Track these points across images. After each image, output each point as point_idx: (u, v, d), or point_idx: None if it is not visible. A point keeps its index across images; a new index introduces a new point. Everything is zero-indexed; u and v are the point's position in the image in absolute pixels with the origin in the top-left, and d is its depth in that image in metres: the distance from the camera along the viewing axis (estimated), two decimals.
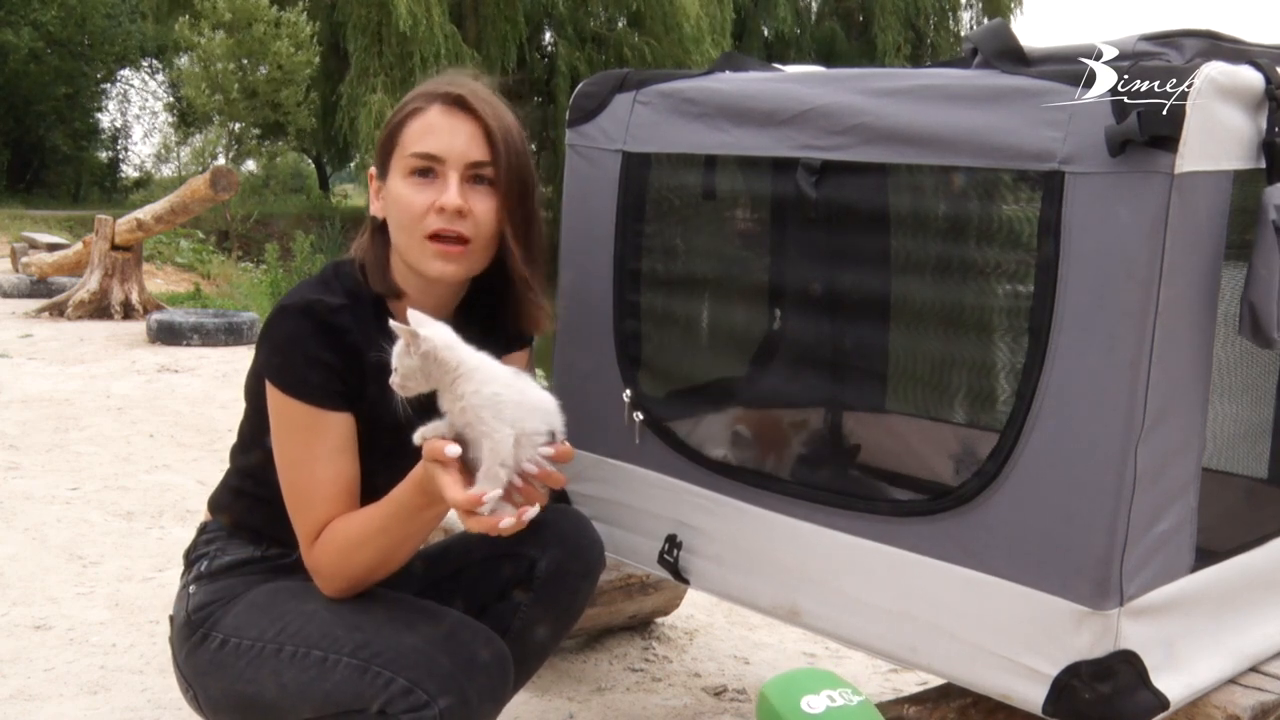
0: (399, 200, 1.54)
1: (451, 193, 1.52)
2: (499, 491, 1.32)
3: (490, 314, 1.66)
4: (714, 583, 1.77)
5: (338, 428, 1.51)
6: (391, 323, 1.37)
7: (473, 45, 19.47)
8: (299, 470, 1.52)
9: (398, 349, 1.36)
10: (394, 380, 1.36)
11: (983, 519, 1.43)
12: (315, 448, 1.51)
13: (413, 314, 1.37)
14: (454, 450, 1.33)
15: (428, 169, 1.53)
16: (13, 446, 4.27)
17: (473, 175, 1.55)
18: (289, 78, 18.93)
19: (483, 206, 1.55)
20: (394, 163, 1.56)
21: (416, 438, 1.37)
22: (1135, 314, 1.29)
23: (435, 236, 1.53)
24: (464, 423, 1.35)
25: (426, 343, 1.33)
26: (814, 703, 1.30)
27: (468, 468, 1.35)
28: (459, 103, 1.55)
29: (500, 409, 1.33)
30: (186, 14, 18.69)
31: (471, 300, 1.65)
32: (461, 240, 1.54)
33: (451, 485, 1.33)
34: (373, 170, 1.62)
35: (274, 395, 1.52)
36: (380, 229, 1.60)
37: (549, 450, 1.35)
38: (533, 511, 1.33)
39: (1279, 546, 1.59)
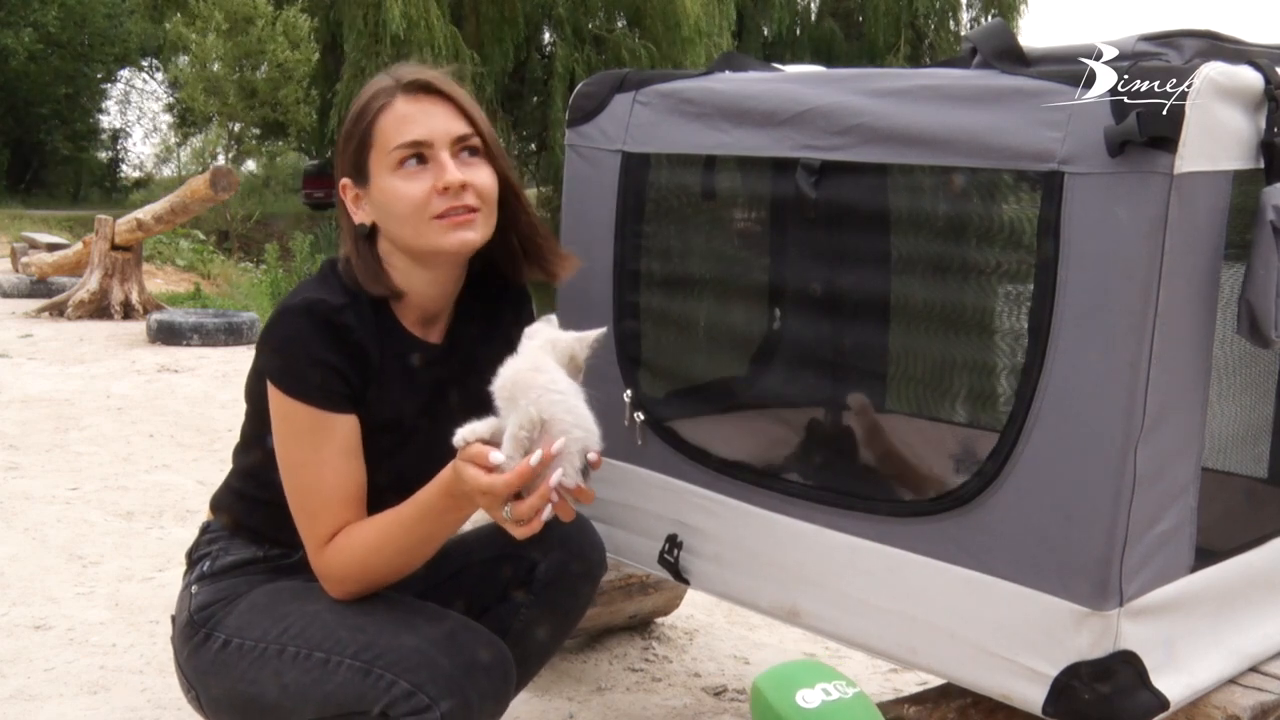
0: (396, 195, 1.52)
1: (451, 171, 1.52)
2: (538, 455, 1.33)
3: (493, 300, 1.67)
4: (714, 583, 1.77)
5: (343, 429, 1.50)
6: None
7: (473, 46, 19.46)
8: (305, 474, 1.51)
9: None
10: None
11: (983, 519, 1.43)
12: (321, 450, 1.50)
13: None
14: (498, 458, 1.35)
15: (417, 156, 1.53)
16: (13, 446, 4.27)
17: (461, 149, 1.55)
18: (288, 75, 18.95)
19: (480, 175, 1.55)
20: (375, 164, 1.54)
21: (457, 440, 1.39)
22: (1135, 314, 1.29)
23: (443, 215, 1.52)
24: (498, 400, 1.38)
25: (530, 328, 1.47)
26: (809, 697, 1.29)
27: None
28: (423, 88, 1.55)
29: (519, 389, 1.36)
30: (180, 12, 18.69)
31: (470, 293, 1.65)
32: (470, 210, 1.54)
33: (484, 475, 1.36)
34: (345, 182, 1.58)
35: (277, 397, 1.51)
36: (366, 238, 1.58)
37: (593, 456, 1.38)
38: (548, 513, 1.36)
39: (1279, 546, 1.59)
